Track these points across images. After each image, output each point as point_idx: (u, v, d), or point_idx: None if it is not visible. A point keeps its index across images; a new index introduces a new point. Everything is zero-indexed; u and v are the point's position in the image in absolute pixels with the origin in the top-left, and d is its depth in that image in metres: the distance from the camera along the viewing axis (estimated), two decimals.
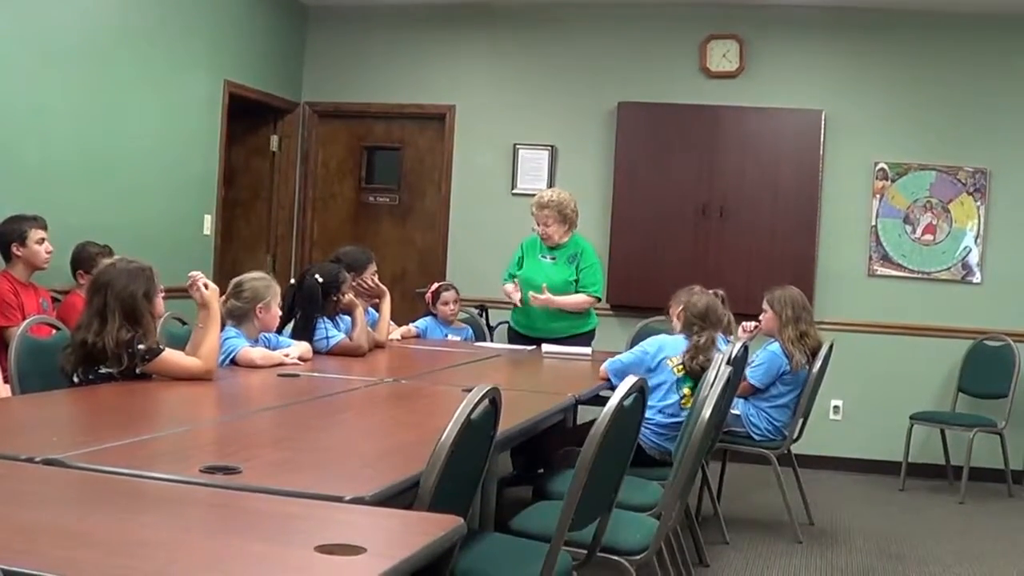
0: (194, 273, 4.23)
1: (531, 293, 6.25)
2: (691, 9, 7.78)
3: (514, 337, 6.52)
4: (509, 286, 6.45)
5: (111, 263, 4.06)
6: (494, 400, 2.68)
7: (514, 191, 8.04)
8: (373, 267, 5.91)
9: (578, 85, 7.99)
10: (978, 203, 7.47)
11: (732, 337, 5.33)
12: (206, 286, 4.19)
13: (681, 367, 4.82)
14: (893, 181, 7.59)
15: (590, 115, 7.96)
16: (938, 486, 7.19)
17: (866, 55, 7.63)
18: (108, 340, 3.79)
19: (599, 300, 6.50)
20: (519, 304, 6.36)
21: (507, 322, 6.74)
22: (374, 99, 8.32)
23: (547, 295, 6.22)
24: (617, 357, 5.06)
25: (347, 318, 5.41)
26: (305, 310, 5.24)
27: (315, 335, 5.18)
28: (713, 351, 4.76)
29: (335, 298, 5.31)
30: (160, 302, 4.06)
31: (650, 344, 4.97)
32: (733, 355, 4.39)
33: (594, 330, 6.47)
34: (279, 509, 2.20)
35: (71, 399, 3.66)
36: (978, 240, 7.47)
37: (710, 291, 5.18)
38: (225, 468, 2.50)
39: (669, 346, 4.92)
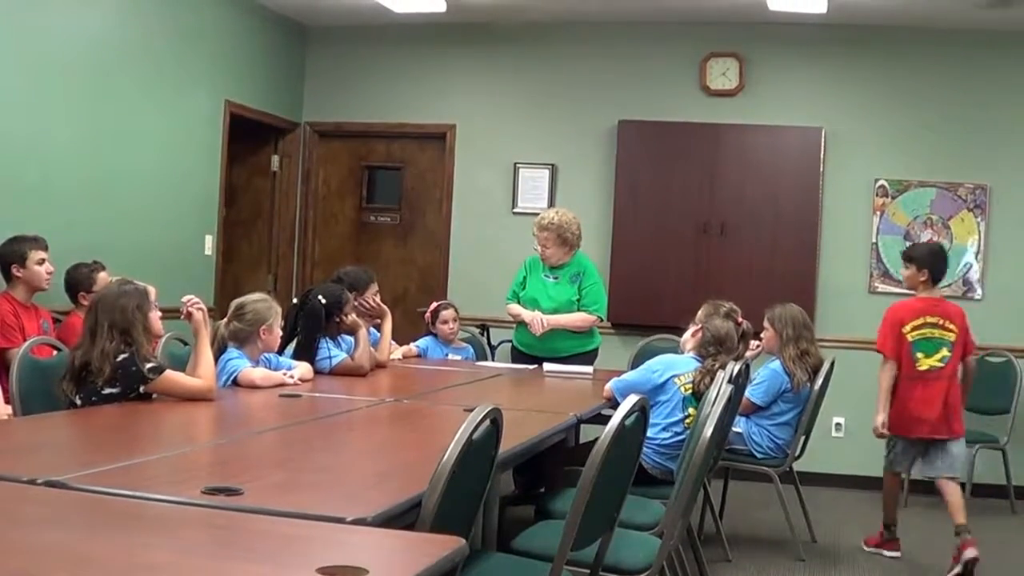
0: (187, 298, 4.24)
1: (535, 317, 6.21)
2: (690, 27, 7.80)
3: (517, 356, 6.51)
4: (514, 308, 6.42)
5: (106, 285, 4.07)
6: (496, 420, 2.68)
7: (515, 210, 8.06)
8: (375, 287, 5.91)
9: (578, 104, 8.01)
10: (978, 219, 7.47)
11: (750, 351, 5.33)
12: (197, 309, 4.22)
13: (689, 386, 4.80)
14: (893, 198, 7.60)
15: (590, 134, 7.98)
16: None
17: (866, 72, 7.65)
18: (96, 354, 3.79)
19: (602, 320, 6.48)
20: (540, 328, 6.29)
21: (509, 341, 6.73)
22: (374, 118, 8.35)
23: (543, 316, 6.20)
24: (623, 376, 5.05)
25: (348, 338, 5.41)
26: (307, 330, 5.24)
27: (317, 355, 5.18)
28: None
29: (338, 319, 5.32)
30: (156, 319, 4.07)
31: (657, 363, 4.94)
32: (734, 373, 4.38)
33: (597, 349, 6.46)
34: (281, 530, 2.20)
35: (72, 420, 3.66)
36: (979, 256, 7.47)
37: (725, 305, 5.17)
38: (227, 489, 2.50)
39: (677, 364, 4.89)
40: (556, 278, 6.37)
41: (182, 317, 4.28)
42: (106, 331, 3.83)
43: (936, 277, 5.77)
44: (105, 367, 3.79)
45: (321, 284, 5.79)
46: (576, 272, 6.36)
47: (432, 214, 8.39)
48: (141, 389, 3.87)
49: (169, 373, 3.95)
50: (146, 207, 6.65)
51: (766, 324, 5.82)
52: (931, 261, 5.77)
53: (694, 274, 7.60)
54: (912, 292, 5.89)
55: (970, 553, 5.18)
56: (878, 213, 7.62)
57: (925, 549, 5.96)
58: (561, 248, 6.30)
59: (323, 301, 5.28)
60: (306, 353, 5.14)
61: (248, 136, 7.97)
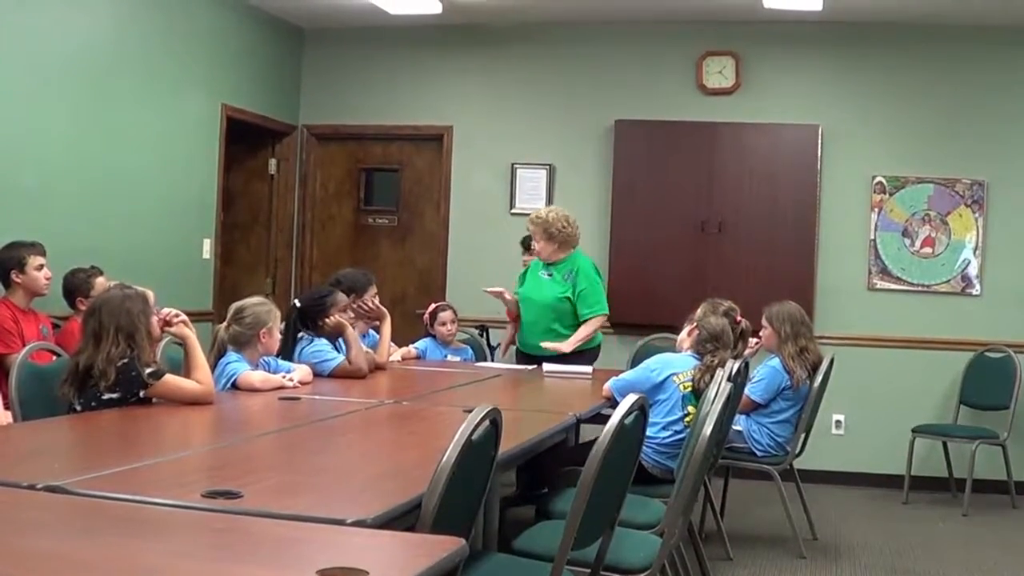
0: (164, 312, 4.20)
1: (556, 347, 6.22)
2: (687, 26, 7.80)
3: (521, 357, 6.50)
4: (499, 291, 6.49)
5: (106, 289, 4.06)
6: (495, 420, 2.68)
7: (513, 211, 8.05)
8: (373, 289, 5.91)
9: (575, 104, 8.01)
10: (976, 215, 7.47)
11: (749, 348, 5.33)
12: (176, 320, 4.19)
13: (688, 384, 4.80)
14: (891, 194, 7.60)
15: (587, 133, 7.98)
16: (941, 499, 7.17)
17: (862, 69, 7.65)
18: (101, 358, 3.78)
19: (606, 317, 6.44)
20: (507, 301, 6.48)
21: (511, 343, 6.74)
22: (371, 121, 8.34)
23: (556, 345, 6.20)
24: (621, 376, 5.05)
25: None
26: (284, 333, 5.21)
27: (313, 358, 5.18)
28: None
29: (321, 323, 5.31)
30: (155, 324, 4.06)
31: (655, 362, 4.95)
32: (733, 371, 4.38)
33: (598, 347, 6.45)
34: (281, 533, 2.20)
35: (72, 425, 3.66)
36: (977, 252, 7.48)
37: (724, 304, 5.17)
38: (226, 493, 2.50)
39: (676, 363, 4.90)
40: (550, 275, 6.36)
41: (162, 328, 4.23)
42: (112, 335, 3.83)
43: None
44: (109, 371, 3.79)
45: (317, 287, 5.79)
46: (570, 270, 6.34)
47: (430, 216, 8.39)
48: (141, 394, 3.87)
49: (169, 377, 3.95)
50: (143, 211, 6.65)
51: (764, 322, 5.82)
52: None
53: (692, 273, 7.59)
54: None
55: None
56: (876, 210, 7.62)
57: (929, 546, 5.97)
58: (549, 244, 6.30)
59: (297, 304, 5.31)
60: (284, 355, 5.12)
61: (245, 139, 7.97)
